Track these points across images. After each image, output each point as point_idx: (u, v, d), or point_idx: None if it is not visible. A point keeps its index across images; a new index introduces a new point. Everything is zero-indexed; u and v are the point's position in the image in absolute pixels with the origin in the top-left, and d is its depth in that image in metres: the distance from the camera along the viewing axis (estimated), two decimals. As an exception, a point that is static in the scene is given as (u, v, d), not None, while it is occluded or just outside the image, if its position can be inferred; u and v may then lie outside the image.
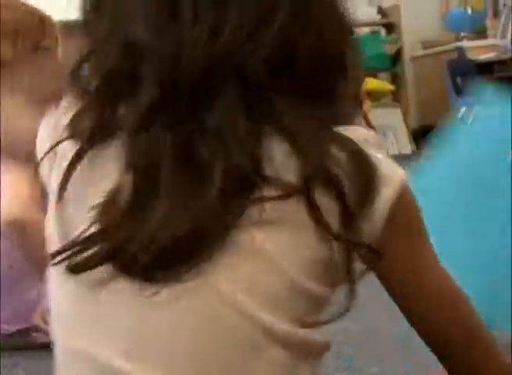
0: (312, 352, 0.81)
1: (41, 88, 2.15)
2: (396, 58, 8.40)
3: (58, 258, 0.79)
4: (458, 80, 7.70)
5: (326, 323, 0.80)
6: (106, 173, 0.79)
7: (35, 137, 0.90)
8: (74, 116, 0.83)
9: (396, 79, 8.35)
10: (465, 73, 7.65)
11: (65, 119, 0.84)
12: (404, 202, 0.80)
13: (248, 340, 0.76)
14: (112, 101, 0.81)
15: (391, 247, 0.81)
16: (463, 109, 7.58)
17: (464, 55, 7.66)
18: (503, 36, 7.77)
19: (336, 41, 0.84)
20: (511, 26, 7.64)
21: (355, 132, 0.80)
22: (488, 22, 8.27)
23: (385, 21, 8.37)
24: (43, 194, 2.21)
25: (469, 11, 8.34)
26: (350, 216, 0.77)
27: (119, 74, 0.80)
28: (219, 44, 0.77)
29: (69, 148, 0.82)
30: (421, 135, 8.28)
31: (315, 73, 0.82)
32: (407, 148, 7.57)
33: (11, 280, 2.29)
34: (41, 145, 0.89)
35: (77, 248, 0.77)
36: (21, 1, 2.27)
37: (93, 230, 0.77)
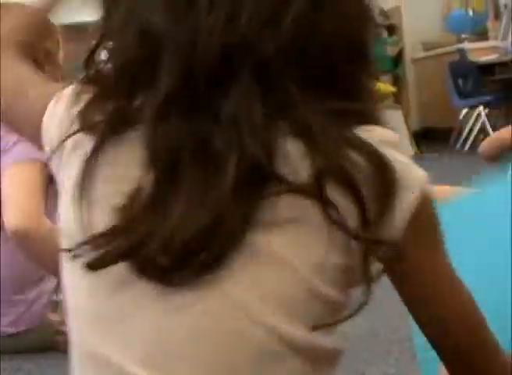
0: (327, 359, 0.79)
1: None
2: (398, 59, 8.41)
3: (75, 253, 0.77)
4: (459, 81, 7.71)
5: (336, 323, 0.78)
6: (125, 168, 0.77)
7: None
8: (85, 107, 0.81)
9: (397, 81, 8.35)
10: (466, 74, 7.66)
11: (75, 110, 0.82)
12: (425, 204, 0.78)
13: (263, 347, 0.74)
14: (128, 90, 0.79)
15: (411, 248, 0.79)
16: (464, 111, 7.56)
17: (465, 57, 7.66)
18: (504, 38, 7.78)
19: (356, 30, 0.81)
20: (512, 27, 7.64)
21: (373, 132, 0.77)
22: (490, 24, 8.28)
23: (386, 23, 8.37)
24: (47, 183, 2.22)
25: (470, 13, 8.35)
26: (370, 218, 0.75)
27: (136, 63, 0.78)
28: (235, 32, 0.75)
29: (81, 141, 0.80)
30: (422, 137, 8.29)
31: (333, 63, 0.78)
32: (408, 149, 7.57)
33: (12, 281, 2.29)
34: (48, 136, 0.86)
35: (95, 244, 0.76)
36: (21, 3, 2.26)
37: (112, 226, 0.75)
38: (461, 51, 7.71)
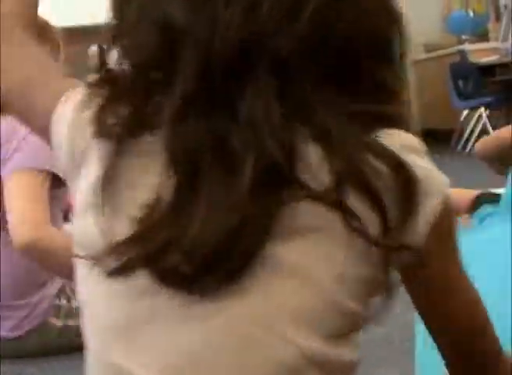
0: (342, 372, 0.77)
1: None
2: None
3: (95, 260, 0.75)
4: (460, 83, 7.70)
5: (353, 333, 0.76)
6: (144, 174, 0.75)
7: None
8: (99, 110, 0.78)
9: (398, 82, 8.34)
10: (467, 76, 7.65)
11: (86, 114, 0.79)
12: (447, 210, 0.77)
13: (281, 360, 0.72)
14: (145, 90, 0.76)
15: (432, 254, 0.77)
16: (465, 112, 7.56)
17: (466, 58, 7.66)
18: (505, 39, 7.77)
19: (378, 25, 0.77)
20: (513, 28, 7.64)
21: (395, 137, 0.75)
22: (490, 25, 8.28)
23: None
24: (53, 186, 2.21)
25: (471, 14, 8.35)
26: (391, 226, 0.73)
27: (153, 60, 0.76)
28: (253, 25, 0.73)
29: (95, 146, 0.77)
30: (423, 138, 8.26)
31: (353, 60, 0.75)
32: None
33: (14, 286, 2.29)
34: (57, 139, 0.83)
35: (115, 251, 0.73)
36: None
37: (132, 233, 0.73)
38: (462, 53, 7.71)
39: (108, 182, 0.76)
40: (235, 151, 0.71)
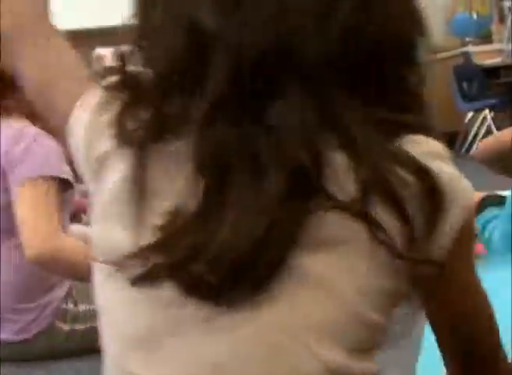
0: None
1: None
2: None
3: (118, 267, 0.74)
4: (464, 85, 7.69)
5: (379, 348, 0.76)
6: (169, 178, 0.74)
7: None
8: (119, 114, 0.77)
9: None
10: (471, 78, 7.64)
11: (104, 118, 0.78)
12: (470, 220, 0.76)
13: (305, 372, 0.71)
14: (169, 94, 0.75)
15: (453, 261, 0.76)
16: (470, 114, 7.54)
17: (470, 60, 7.65)
18: (509, 41, 7.76)
19: (404, 31, 0.76)
20: (517, 30, 7.64)
21: (421, 145, 0.75)
22: (494, 27, 8.27)
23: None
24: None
25: (474, 16, 8.34)
26: (417, 237, 0.72)
27: (181, 64, 0.74)
28: (283, 31, 0.72)
29: (115, 151, 0.76)
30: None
31: (380, 65, 0.75)
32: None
33: (21, 290, 2.29)
34: (74, 142, 0.82)
35: (138, 258, 0.72)
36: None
37: (157, 241, 0.72)
38: (466, 55, 7.70)
39: (132, 188, 0.75)
40: (263, 156, 0.71)
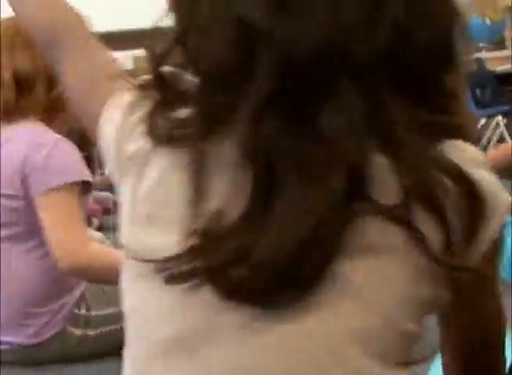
0: None
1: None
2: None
3: (157, 269, 0.72)
4: (477, 91, 7.68)
5: (418, 363, 0.76)
6: (209, 179, 0.73)
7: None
8: (150, 114, 0.76)
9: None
10: (484, 84, 7.62)
11: (134, 117, 0.78)
12: (503, 222, 0.76)
13: None
14: (212, 94, 0.74)
15: (485, 272, 0.78)
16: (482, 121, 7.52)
17: (483, 66, 7.63)
18: (522, 47, 7.74)
19: (445, 31, 0.76)
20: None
21: (465, 152, 0.75)
22: (507, 33, 8.24)
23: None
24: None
25: (487, 22, 8.32)
26: (455, 245, 0.72)
27: (230, 61, 0.73)
28: (335, 30, 0.71)
29: (149, 152, 0.75)
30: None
31: (423, 66, 0.74)
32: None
33: (38, 294, 2.30)
34: (105, 142, 0.82)
35: (177, 261, 0.71)
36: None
37: (197, 243, 0.71)
38: (479, 61, 7.68)
39: (167, 189, 0.74)
40: (312, 156, 0.70)
